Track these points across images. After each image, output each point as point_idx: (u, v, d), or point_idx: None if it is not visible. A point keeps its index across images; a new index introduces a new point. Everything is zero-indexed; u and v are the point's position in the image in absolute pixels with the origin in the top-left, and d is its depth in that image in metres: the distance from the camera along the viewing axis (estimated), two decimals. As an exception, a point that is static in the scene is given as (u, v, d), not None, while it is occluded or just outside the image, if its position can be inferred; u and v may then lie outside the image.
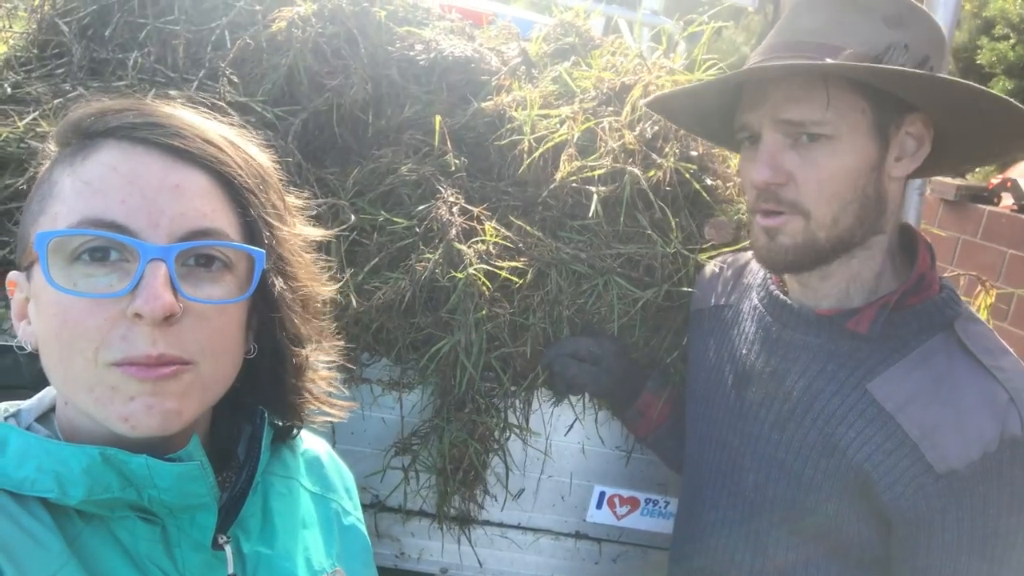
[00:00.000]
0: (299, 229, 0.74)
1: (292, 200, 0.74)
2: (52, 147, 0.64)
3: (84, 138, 0.61)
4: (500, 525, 1.46)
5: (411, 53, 1.61)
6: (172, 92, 1.43)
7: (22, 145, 1.32)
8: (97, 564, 0.58)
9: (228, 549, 0.66)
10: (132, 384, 0.57)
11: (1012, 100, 0.92)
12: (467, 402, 1.28)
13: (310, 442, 0.87)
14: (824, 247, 0.98)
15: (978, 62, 6.72)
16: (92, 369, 0.56)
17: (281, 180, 0.72)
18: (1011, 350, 0.96)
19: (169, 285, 0.56)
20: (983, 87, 0.90)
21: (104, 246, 0.57)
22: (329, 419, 0.82)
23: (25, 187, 1.27)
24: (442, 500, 1.32)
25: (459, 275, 1.23)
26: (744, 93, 1.01)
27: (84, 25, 1.71)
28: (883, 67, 0.88)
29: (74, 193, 0.58)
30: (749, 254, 1.23)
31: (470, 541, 1.44)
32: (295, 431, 0.80)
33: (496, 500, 1.40)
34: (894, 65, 0.89)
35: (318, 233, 0.77)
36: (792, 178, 0.96)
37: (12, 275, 0.64)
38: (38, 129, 1.34)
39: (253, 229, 0.65)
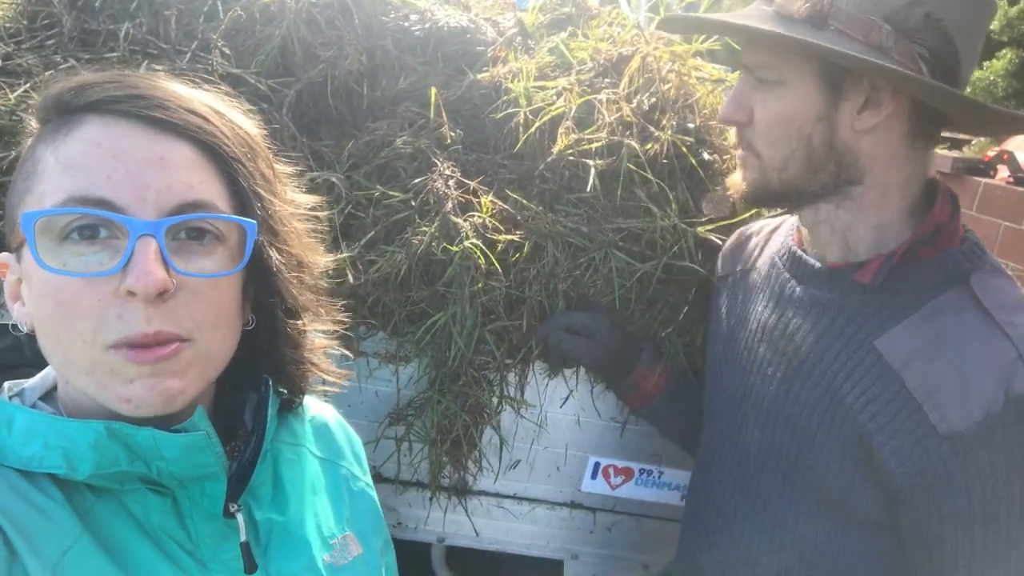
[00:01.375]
0: (290, 197, 0.73)
1: (282, 168, 0.73)
2: (33, 124, 0.63)
3: (65, 113, 0.60)
4: (496, 495, 1.48)
5: (406, 24, 1.59)
6: (162, 64, 1.41)
7: (14, 118, 1.31)
8: (110, 537, 0.59)
9: (240, 517, 0.66)
10: (131, 367, 0.56)
11: (982, 103, 0.92)
12: (460, 375, 1.29)
13: (317, 408, 0.87)
14: (776, 189, 1.01)
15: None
16: (90, 351, 0.56)
17: (271, 148, 0.71)
18: None
19: (160, 260, 0.55)
20: (916, 78, 0.87)
21: (92, 224, 0.56)
22: (327, 389, 0.82)
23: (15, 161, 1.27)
24: (434, 470, 1.33)
25: (455, 249, 1.23)
26: None
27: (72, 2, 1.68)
28: (817, 44, 0.88)
29: (58, 171, 0.57)
30: (780, 219, 1.23)
31: (466, 511, 1.46)
32: (298, 400, 0.81)
33: (492, 471, 1.42)
34: (837, 24, 0.89)
35: (310, 200, 0.76)
36: (751, 118, 1.00)
37: (2, 256, 0.63)
38: (29, 101, 1.32)
39: (243, 199, 0.64)
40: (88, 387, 0.58)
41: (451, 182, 1.28)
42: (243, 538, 0.66)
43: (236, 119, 0.66)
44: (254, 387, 0.75)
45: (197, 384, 0.61)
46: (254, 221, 0.62)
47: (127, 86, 0.60)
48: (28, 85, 1.38)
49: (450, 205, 1.24)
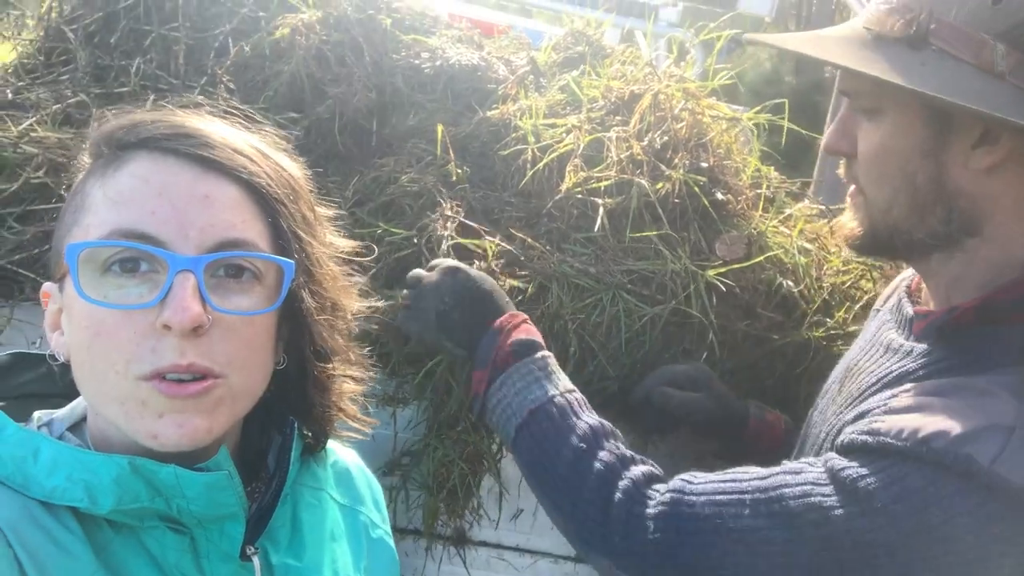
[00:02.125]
0: (329, 240, 0.73)
1: (322, 211, 0.74)
2: (85, 159, 0.65)
3: (116, 149, 0.61)
4: (497, 546, 1.42)
5: (416, 61, 1.58)
6: (169, 100, 1.40)
7: (18, 151, 1.31)
8: (126, 574, 0.59)
9: (256, 560, 0.66)
10: (161, 400, 0.57)
11: None
12: (459, 420, 1.24)
13: (340, 454, 0.86)
14: (883, 234, 0.88)
15: None
16: (123, 382, 0.57)
17: (312, 191, 0.72)
18: None
19: (198, 296, 0.56)
20: None
21: (134, 257, 0.58)
22: (351, 435, 0.82)
23: (18, 191, 1.26)
24: (429, 519, 1.28)
25: None
26: None
27: (90, 32, 1.70)
28: (908, 88, 0.76)
29: (105, 205, 0.59)
30: None
31: (464, 562, 1.40)
32: (322, 443, 0.80)
33: (492, 521, 1.36)
34: (940, 42, 0.76)
35: (348, 244, 0.77)
36: (855, 149, 0.88)
37: (46, 286, 0.64)
38: (32, 134, 1.32)
39: (283, 240, 0.64)
40: (118, 418, 0.58)
41: (450, 224, 1.25)
42: None
43: (281, 161, 0.68)
44: (279, 428, 0.75)
45: (224, 422, 0.62)
46: (292, 261, 0.63)
47: (176, 125, 0.62)
48: (34, 119, 1.38)
49: (445, 247, 1.20)
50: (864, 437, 0.79)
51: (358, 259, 1.32)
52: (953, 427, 0.73)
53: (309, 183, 0.71)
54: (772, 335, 1.26)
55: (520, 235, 1.27)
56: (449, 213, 1.26)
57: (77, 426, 0.67)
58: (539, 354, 1.01)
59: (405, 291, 1.14)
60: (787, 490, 0.79)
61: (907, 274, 1.08)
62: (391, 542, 0.85)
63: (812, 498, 0.77)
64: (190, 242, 0.58)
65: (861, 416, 0.84)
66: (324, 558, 0.73)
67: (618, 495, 0.86)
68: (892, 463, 0.75)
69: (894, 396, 0.83)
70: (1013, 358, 0.78)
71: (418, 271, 1.14)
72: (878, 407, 0.83)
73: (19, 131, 1.32)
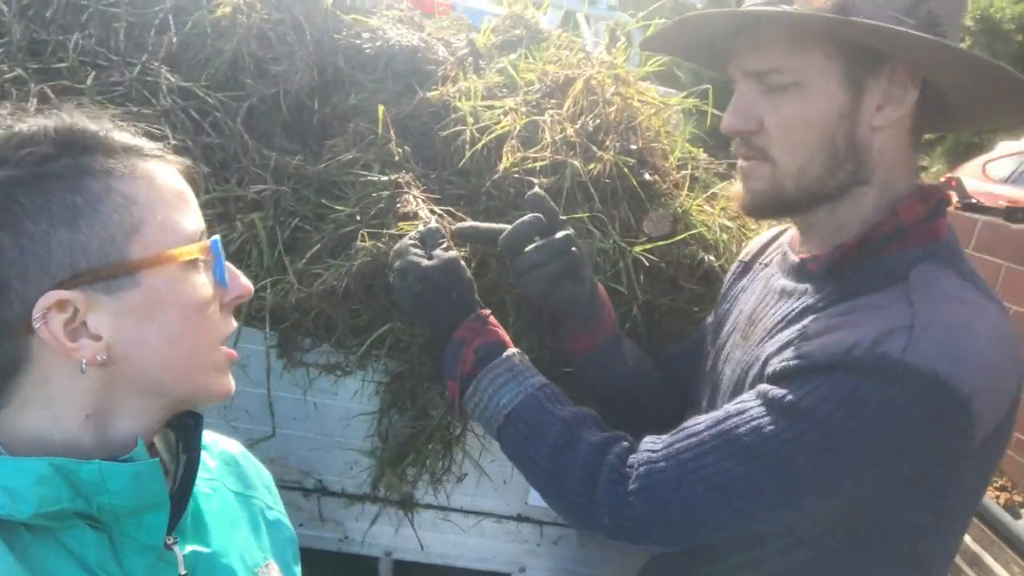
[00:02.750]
0: None
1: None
2: (103, 160, 0.64)
3: (122, 155, 0.65)
4: (443, 509, 1.49)
5: (357, 41, 1.61)
6: (110, 75, 1.41)
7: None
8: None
9: (177, 549, 0.67)
10: (225, 360, 0.71)
11: (991, 60, 0.88)
12: (424, 394, 1.30)
13: (224, 444, 0.89)
14: (791, 195, 0.97)
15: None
16: (213, 352, 0.69)
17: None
18: (982, 305, 0.89)
19: None
20: (954, 46, 0.86)
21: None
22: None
23: None
24: (377, 483, 1.34)
25: None
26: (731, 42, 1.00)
27: (24, 5, 1.67)
28: (831, 17, 0.85)
29: (166, 204, 0.65)
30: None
31: (412, 524, 1.47)
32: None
33: (438, 484, 1.43)
34: (861, 16, 0.86)
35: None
36: (762, 125, 0.96)
37: (52, 296, 0.59)
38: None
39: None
40: (205, 385, 0.69)
41: (420, 201, 1.29)
42: (183, 571, 0.67)
43: None
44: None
45: None
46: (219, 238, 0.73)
47: (137, 135, 0.69)
48: (-28, 94, 1.37)
49: (421, 224, 1.23)
50: (793, 362, 0.90)
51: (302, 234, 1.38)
52: (865, 336, 0.85)
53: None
54: (694, 308, 1.36)
55: (460, 213, 1.33)
56: (418, 195, 1.30)
57: None
58: (504, 354, 1.07)
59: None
60: (739, 429, 0.89)
61: (772, 232, 1.23)
62: (287, 522, 0.90)
63: (763, 428, 0.88)
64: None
65: (784, 348, 0.95)
66: (229, 543, 0.76)
67: (600, 482, 0.95)
68: (824, 378, 0.86)
69: (805, 327, 0.94)
70: (889, 280, 0.91)
71: (396, 248, 1.18)
72: (795, 337, 0.94)
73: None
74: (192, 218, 0.68)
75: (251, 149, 1.44)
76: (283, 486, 1.47)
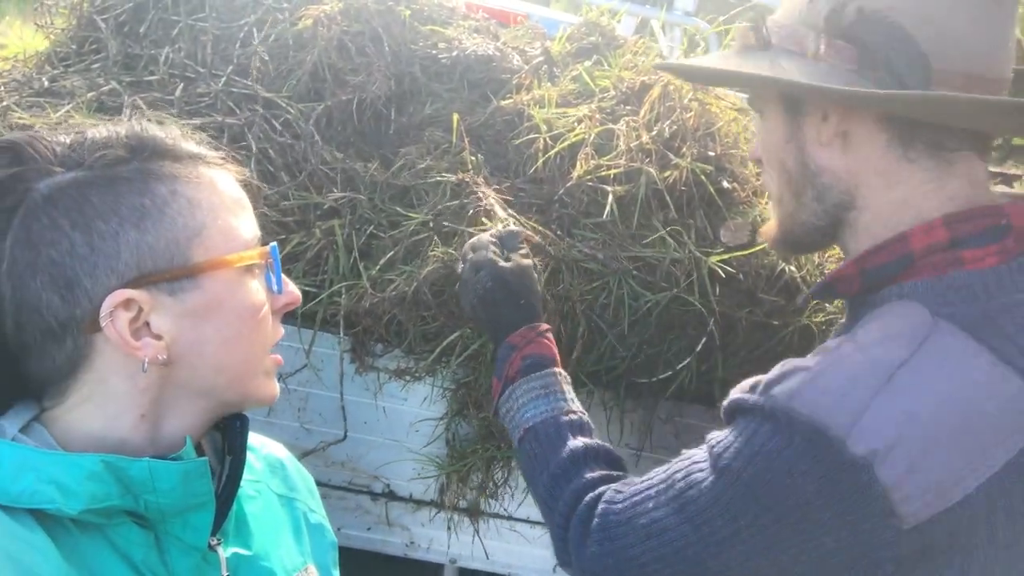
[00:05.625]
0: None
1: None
2: (170, 166, 0.66)
3: (188, 161, 0.67)
4: (509, 518, 1.48)
5: (434, 52, 1.63)
6: (198, 87, 1.46)
7: (56, 136, 1.37)
8: (99, 574, 0.59)
9: (220, 551, 0.67)
10: (273, 367, 0.72)
11: (967, 98, 0.77)
12: (484, 402, 1.30)
13: (271, 447, 0.89)
14: (787, 228, 0.93)
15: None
16: (265, 357, 0.70)
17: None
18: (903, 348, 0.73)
19: None
20: (870, 93, 0.78)
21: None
22: None
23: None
24: (446, 490, 1.34)
25: None
26: None
27: (120, 22, 1.76)
28: (742, 74, 0.85)
29: (227, 209, 0.67)
30: None
31: (478, 532, 1.46)
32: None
33: (507, 493, 1.42)
34: (778, 47, 0.85)
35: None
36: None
37: (118, 296, 0.60)
38: (70, 120, 1.38)
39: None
40: (255, 389, 0.70)
41: (483, 211, 1.30)
42: (225, 572, 0.67)
43: None
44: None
45: None
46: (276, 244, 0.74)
47: (198, 143, 0.70)
48: (71, 106, 1.45)
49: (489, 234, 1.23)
50: (724, 403, 0.84)
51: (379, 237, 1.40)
52: (771, 377, 0.78)
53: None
54: (773, 320, 1.31)
55: (532, 221, 1.33)
56: (492, 199, 1.30)
57: (27, 427, 0.64)
58: (546, 371, 1.05)
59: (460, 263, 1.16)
60: (678, 474, 0.83)
61: None
62: (329, 526, 0.89)
63: (692, 475, 0.81)
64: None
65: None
66: (270, 546, 0.76)
67: (574, 518, 0.91)
68: (737, 422, 0.80)
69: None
70: (850, 323, 0.85)
71: (472, 242, 1.16)
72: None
73: (56, 118, 1.39)
74: (249, 224, 0.69)
75: (329, 157, 1.47)
76: (352, 489, 1.49)
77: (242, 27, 1.64)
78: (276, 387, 0.72)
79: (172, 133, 0.67)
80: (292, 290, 0.72)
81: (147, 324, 0.61)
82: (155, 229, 0.62)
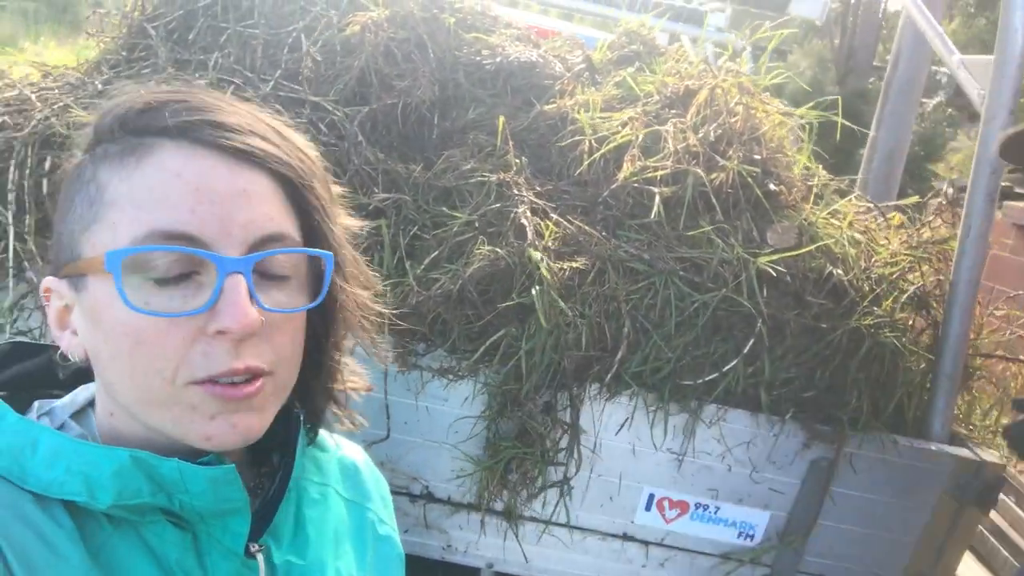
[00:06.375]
0: (344, 221, 0.68)
1: (336, 189, 0.68)
2: (90, 140, 0.58)
3: (132, 135, 0.55)
4: (547, 522, 1.46)
5: (477, 58, 1.65)
6: (247, 92, 1.49)
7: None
8: (125, 572, 0.56)
9: (260, 558, 0.62)
10: (214, 403, 0.55)
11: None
12: (526, 403, 1.29)
13: (347, 449, 0.83)
14: None
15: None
16: (170, 388, 0.54)
17: (325, 167, 0.67)
18: None
19: (250, 298, 0.54)
20: None
21: (177, 260, 0.53)
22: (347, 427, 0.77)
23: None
24: (483, 491, 1.33)
25: (536, 288, 1.25)
26: None
27: (170, 29, 1.81)
28: None
29: (134, 202, 0.53)
30: None
31: (516, 536, 1.45)
32: (315, 433, 0.75)
33: (544, 497, 1.41)
34: None
35: (356, 224, 0.71)
36: None
37: (48, 282, 0.59)
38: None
39: (312, 227, 0.61)
40: (164, 423, 0.56)
41: (527, 211, 1.30)
42: None
43: (299, 142, 0.63)
44: (283, 421, 0.70)
45: (270, 417, 0.59)
46: (331, 253, 0.60)
47: (196, 108, 0.56)
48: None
49: (530, 235, 1.25)
50: None
51: (422, 239, 1.41)
52: None
53: (322, 160, 0.66)
54: (821, 324, 1.30)
55: (577, 222, 1.33)
56: (530, 198, 1.31)
57: (80, 414, 0.63)
58: None
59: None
60: None
61: None
62: (398, 539, 0.82)
63: None
64: (233, 240, 0.54)
65: None
66: (327, 556, 0.69)
67: None
68: None
69: None
70: None
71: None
72: None
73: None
74: (150, 217, 0.53)
75: (372, 158, 1.49)
76: (391, 491, 1.49)
77: (290, 33, 1.67)
78: (210, 428, 0.56)
79: (119, 103, 0.56)
80: (240, 311, 0.53)
81: (71, 317, 0.58)
82: (67, 218, 0.57)
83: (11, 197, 1.42)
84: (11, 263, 1.37)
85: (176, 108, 0.55)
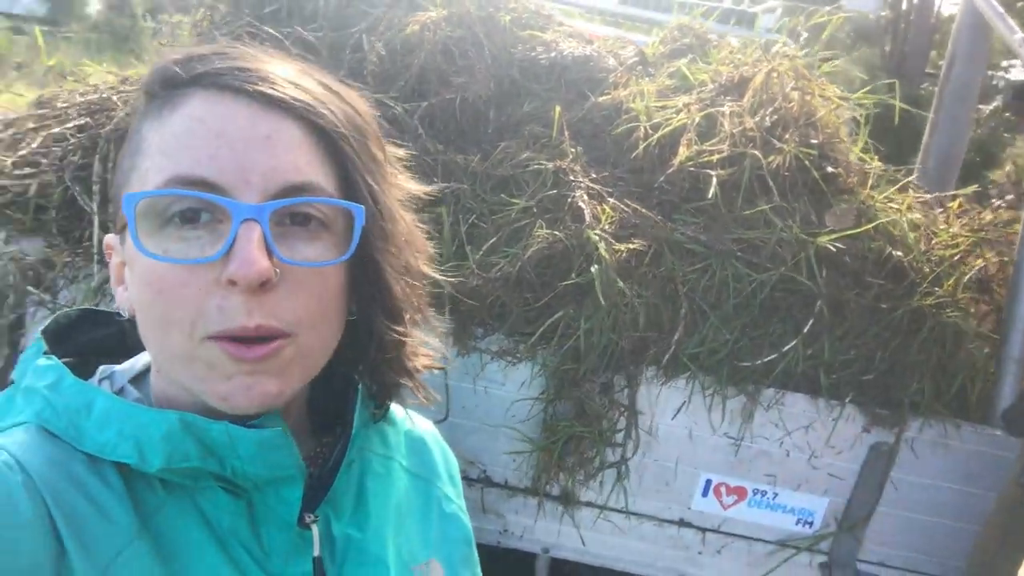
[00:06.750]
0: (400, 182, 0.65)
1: (393, 151, 0.66)
2: (141, 100, 0.58)
3: (170, 88, 0.55)
4: (603, 508, 1.47)
5: (532, 54, 1.70)
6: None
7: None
8: (177, 538, 0.56)
9: (315, 529, 0.61)
10: (229, 363, 0.53)
11: None
12: (583, 383, 1.31)
13: (416, 422, 0.80)
14: None
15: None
16: (189, 343, 0.53)
17: (381, 127, 0.64)
18: None
19: (264, 247, 0.51)
20: None
21: (194, 207, 0.52)
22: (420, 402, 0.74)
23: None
24: (540, 475, 1.35)
25: (594, 267, 1.27)
26: None
27: (237, 36, 1.90)
28: None
29: (161, 149, 0.53)
30: None
31: (573, 521, 1.46)
32: (383, 410, 0.73)
33: (600, 481, 1.42)
34: None
35: (420, 189, 0.68)
36: None
37: (108, 239, 0.60)
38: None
39: (352, 183, 0.58)
40: (186, 379, 0.55)
41: (584, 196, 1.33)
42: (316, 552, 0.61)
43: (345, 94, 0.61)
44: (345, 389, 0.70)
45: (296, 384, 0.57)
46: (362, 206, 0.57)
47: (232, 58, 0.55)
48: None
49: (588, 217, 1.28)
50: None
51: (481, 226, 1.45)
52: None
53: (376, 121, 0.62)
54: (881, 304, 1.29)
55: (634, 205, 1.36)
56: (586, 183, 1.34)
57: (140, 378, 0.62)
58: None
59: None
60: None
61: None
62: (466, 519, 0.79)
63: None
64: (253, 188, 0.52)
65: None
66: (388, 530, 0.67)
67: None
68: None
69: None
70: None
71: None
72: None
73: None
74: (171, 164, 0.52)
75: (432, 148, 1.54)
76: (449, 474, 1.52)
77: (352, 34, 1.74)
78: (226, 388, 0.54)
79: (163, 60, 0.56)
80: (246, 257, 0.51)
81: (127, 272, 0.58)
82: (116, 173, 0.58)
83: (95, 188, 1.50)
84: (95, 249, 1.45)
85: (211, 59, 0.55)
